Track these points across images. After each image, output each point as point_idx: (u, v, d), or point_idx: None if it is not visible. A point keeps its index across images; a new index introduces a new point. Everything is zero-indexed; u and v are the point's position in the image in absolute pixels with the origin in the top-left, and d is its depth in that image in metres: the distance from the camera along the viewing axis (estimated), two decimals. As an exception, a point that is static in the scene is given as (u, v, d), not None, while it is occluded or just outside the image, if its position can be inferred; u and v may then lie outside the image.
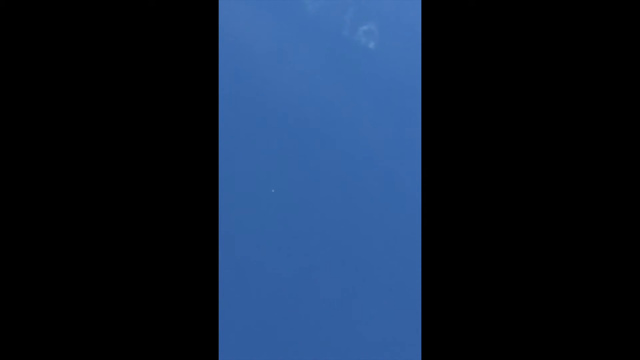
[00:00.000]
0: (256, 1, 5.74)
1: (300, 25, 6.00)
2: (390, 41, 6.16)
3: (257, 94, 5.64)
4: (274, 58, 5.78)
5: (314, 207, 5.31)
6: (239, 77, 5.60)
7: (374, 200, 5.43)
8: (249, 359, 4.84)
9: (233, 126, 5.51)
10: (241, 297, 4.88)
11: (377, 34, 5.90)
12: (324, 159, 5.52)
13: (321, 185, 5.49)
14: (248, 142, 5.47)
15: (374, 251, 5.17)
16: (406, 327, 4.91)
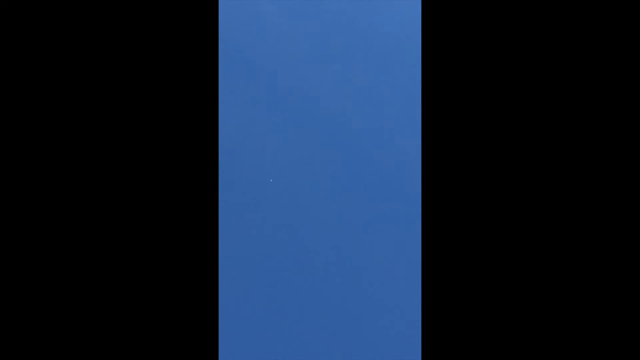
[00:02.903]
0: None
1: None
2: None
3: (250, 53, 5.61)
4: (265, 24, 5.76)
5: (312, 189, 5.29)
6: (235, 37, 5.56)
7: (372, 184, 5.40)
8: (249, 358, 4.84)
9: (229, 82, 5.48)
10: (241, 296, 4.88)
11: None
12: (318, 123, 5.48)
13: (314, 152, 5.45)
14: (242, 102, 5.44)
15: (375, 249, 5.17)
16: (406, 327, 4.91)
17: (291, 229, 5.05)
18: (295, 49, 5.51)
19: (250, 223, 5.08)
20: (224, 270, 4.96)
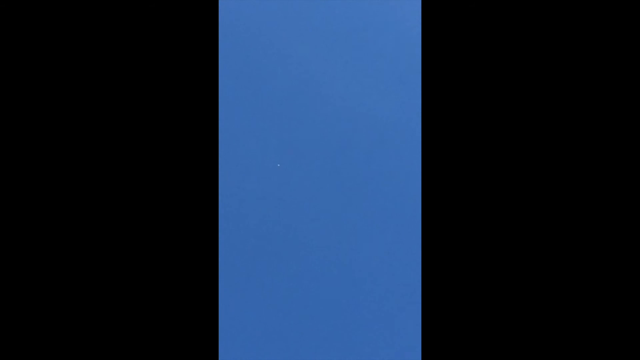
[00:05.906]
0: None
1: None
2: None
3: (252, 48, 5.58)
4: (265, 24, 5.73)
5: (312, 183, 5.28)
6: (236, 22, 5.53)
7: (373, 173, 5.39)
8: (249, 358, 4.84)
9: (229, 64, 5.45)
10: (241, 296, 4.88)
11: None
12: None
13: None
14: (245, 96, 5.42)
15: (375, 249, 5.17)
16: (406, 327, 4.91)
17: (291, 229, 5.06)
18: (295, 49, 5.51)
19: (251, 223, 5.08)
20: (224, 270, 4.97)
